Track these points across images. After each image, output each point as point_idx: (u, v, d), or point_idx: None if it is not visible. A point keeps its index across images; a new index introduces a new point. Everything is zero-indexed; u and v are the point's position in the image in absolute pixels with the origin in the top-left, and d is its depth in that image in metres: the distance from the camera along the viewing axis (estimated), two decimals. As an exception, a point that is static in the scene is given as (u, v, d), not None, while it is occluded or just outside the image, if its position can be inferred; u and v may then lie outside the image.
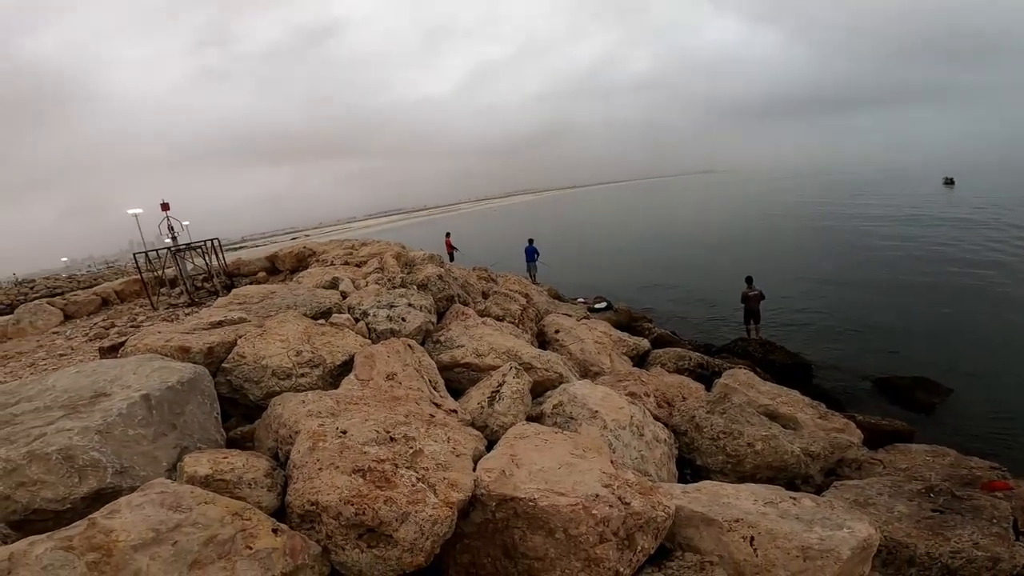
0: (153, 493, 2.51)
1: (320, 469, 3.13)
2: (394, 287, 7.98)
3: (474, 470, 3.68)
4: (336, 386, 4.70)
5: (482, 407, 5.05)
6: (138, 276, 13.03)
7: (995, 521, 4.35)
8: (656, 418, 6.16)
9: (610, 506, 3.35)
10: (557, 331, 9.82)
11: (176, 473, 3.19)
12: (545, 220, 75.33)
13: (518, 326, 9.15)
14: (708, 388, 8.11)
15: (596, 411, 5.36)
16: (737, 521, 3.69)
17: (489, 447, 4.29)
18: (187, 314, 9.64)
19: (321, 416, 3.73)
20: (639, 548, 3.42)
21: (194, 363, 4.33)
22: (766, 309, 12.87)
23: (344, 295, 7.55)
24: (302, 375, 4.74)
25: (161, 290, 13.04)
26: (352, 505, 2.91)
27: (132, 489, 2.88)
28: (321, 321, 6.00)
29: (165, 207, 13.02)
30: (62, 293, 21.39)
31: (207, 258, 13.01)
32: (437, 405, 4.58)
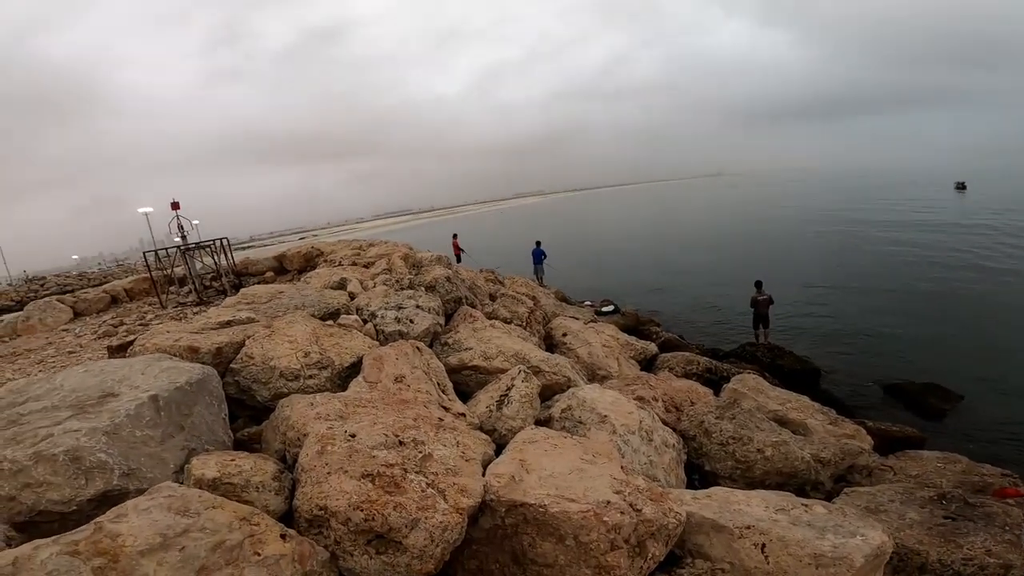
0: (161, 497, 2.47)
1: (329, 473, 3.09)
2: (402, 288, 7.96)
3: (483, 475, 3.65)
4: (344, 388, 4.66)
5: (490, 411, 5.00)
6: (147, 274, 13.09)
7: (1007, 528, 4.31)
8: (664, 423, 6.12)
9: (621, 513, 3.30)
10: (565, 334, 9.77)
11: (183, 475, 3.16)
12: (552, 222, 75.29)
13: (526, 329, 9.11)
14: (716, 393, 8.08)
15: (605, 416, 5.32)
16: (748, 528, 3.65)
17: (497, 451, 4.26)
18: (195, 313, 9.66)
19: (330, 419, 3.70)
20: (650, 555, 3.38)
21: (202, 363, 4.31)
22: (774, 314, 12.76)
23: (352, 296, 7.52)
24: (310, 377, 4.70)
25: (170, 288, 13.08)
26: (361, 511, 2.87)
27: (139, 491, 2.85)
28: (329, 322, 5.98)
29: (175, 206, 13.08)
30: (72, 291, 21.57)
31: (216, 257, 13.06)
32: (446, 408, 4.55)
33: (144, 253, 13.05)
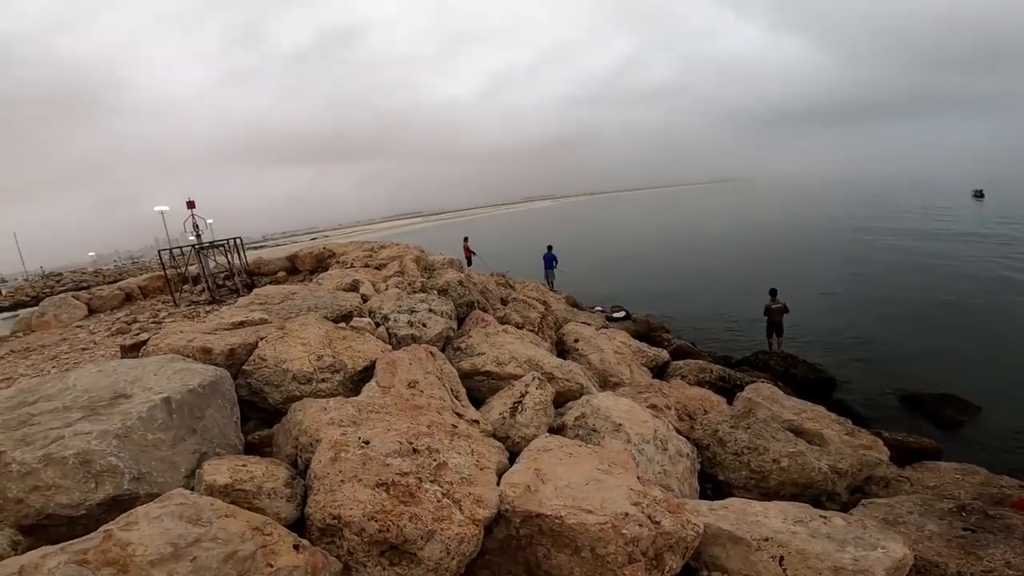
0: (172, 505, 2.41)
1: (342, 481, 3.02)
2: (414, 291, 7.91)
3: (498, 484, 3.57)
4: (357, 392, 4.61)
5: (504, 417, 4.93)
6: (162, 272, 13.18)
7: (1028, 540, 4.24)
8: (678, 431, 6.06)
9: (640, 525, 3.25)
10: (576, 340, 9.68)
11: (194, 479, 3.10)
12: (562, 226, 75.12)
13: (538, 334, 9.03)
14: (730, 402, 8.02)
15: (620, 424, 5.25)
16: (766, 540, 3.60)
17: (511, 459, 4.20)
18: (208, 312, 9.69)
19: (343, 425, 3.63)
20: (667, 568, 3.32)
21: (215, 365, 4.28)
22: (787, 322, 12.60)
23: (364, 298, 7.49)
24: (323, 380, 4.66)
25: (183, 287, 13.17)
26: (376, 521, 2.80)
27: (149, 495, 2.81)
28: (342, 324, 5.94)
29: (191, 205, 13.18)
30: (87, 287, 21.83)
31: (229, 256, 13.13)
32: (459, 415, 4.48)
33: (159, 251, 13.16)
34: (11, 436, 2.79)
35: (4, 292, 56.55)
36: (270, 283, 12.88)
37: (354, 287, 8.19)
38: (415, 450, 3.48)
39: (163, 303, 12.28)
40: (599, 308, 17.79)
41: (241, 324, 5.43)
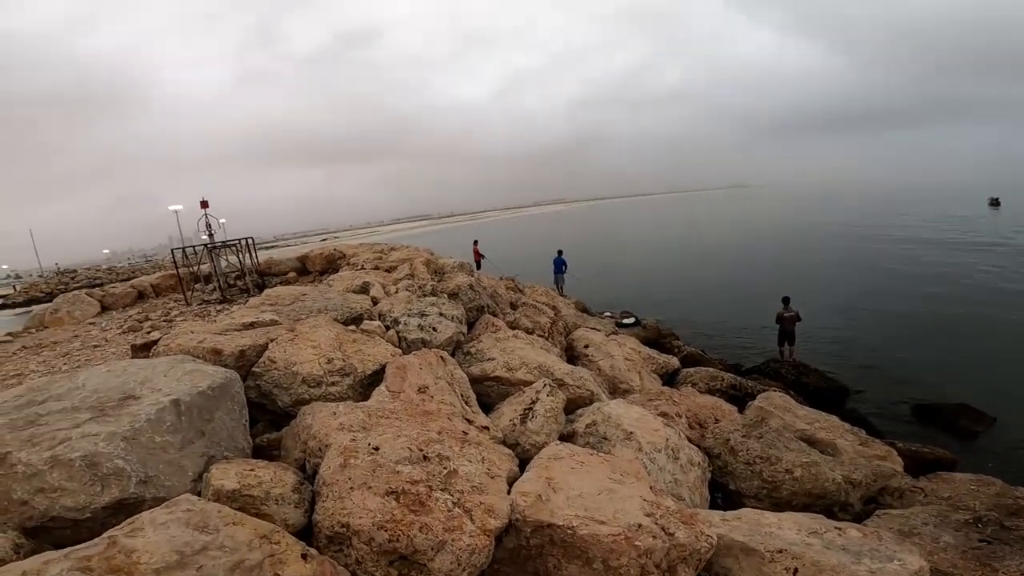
0: (179, 511, 2.36)
1: (352, 488, 2.96)
2: (425, 295, 7.87)
3: (508, 492, 3.51)
4: (366, 396, 4.57)
5: (514, 424, 4.86)
6: (174, 271, 13.27)
7: (1045, 552, 4.19)
8: (688, 440, 6.00)
9: (653, 537, 3.21)
10: (587, 346, 9.61)
11: (202, 483, 3.07)
12: (572, 231, 74.96)
13: (548, 339, 8.97)
14: (741, 410, 7.99)
15: (631, 432, 5.20)
16: (780, 552, 3.55)
17: (520, 467, 4.14)
18: (219, 311, 9.72)
19: (353, 430, 3.58)
20: (679, 581, 3.25)
21: (225, 366, 4.24)
22: (798, 330, 12.45)
23: (375, 301, 7.45)
24: (332, 384, 4.61)
25: (195, 286, 13.24)
26: (386, 531, 2.74)
27: (155, 499, 2.78)
28: (352, 327, 5.91)
29: (204, 204, 13.27)
30: (101, 284, 22.05)
31: (240, 256, 13.19)
32: (469, 421, 4.41)
33: (172, 250, 13.25)
34: (18, 436, 2.76)
35: (18, 288, 57.38)
36: (280, 283, 12.92)
37: (364, 289, 8.17)
38: (425, 457, 3.42)
39: (175, 302, 12.35)
40: (608, 314, 17.68)
41: (251, 325, 5.41)
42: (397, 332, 6.29)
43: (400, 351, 5.60)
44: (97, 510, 2.60)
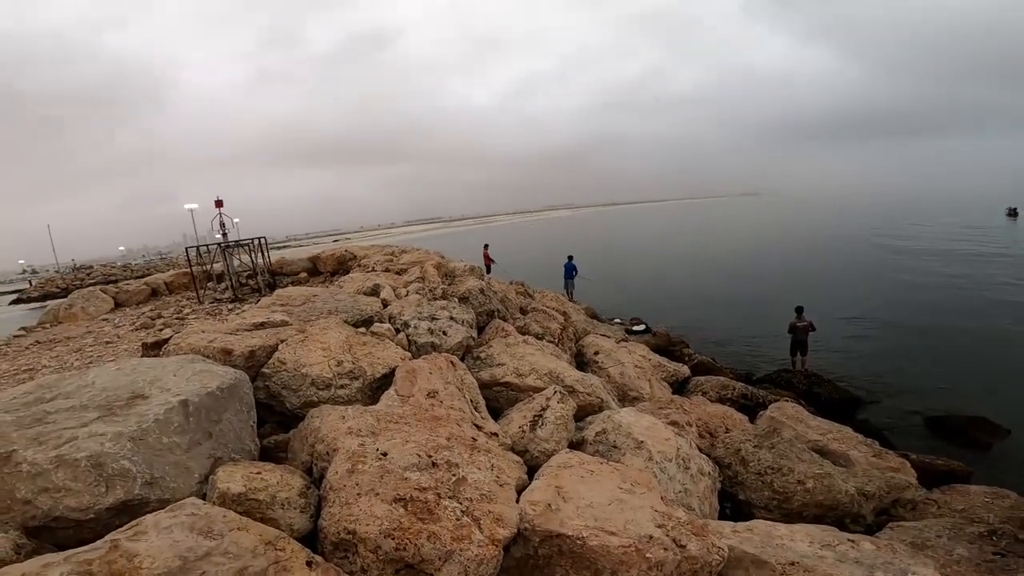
0: (183, 515, 2.32)
1: (359, 495, 2.91)
2: (435, 298, 7.84)
3: (517, 501, 3.46)
4: (375, 400, 4.53)
5: (523, 431, 4.79)
6: (188, 269, 13.38)
7: (1059, 566, 4.14)
8: (699, 449, 5.91)
9: (664, 549, 3.16)
10: (597, 352, 9.54)
11: (207, 485, 3.04)
12: (583, 236, 74.76)
13: (558, 345, 8.90)
14: (752, 420, 7.90)
15: (641, 441, 5.13)
16: (792, 564, 3.51)
17: (529, 474, 4.10)
18: (230, 310, 9.76)
19: (361, 435, 3.53)
20: (690, 594, 3.20)
21: (235, 366, 4.22)
22: (810, 340, 12.30)
23: (385, 303, 7.43)
24: (341, 386, 4.57)
25: (208, 284, 13.33)
26: (392, 539, 2.68)
27: (160, 501, 2.75)
28: (362, 329, 5.88)
29: (219, 204, 13.38)
30: (116, 281, 22.30)
31: (253, 255, 13.27)
32: (479, 427, 4.35)
33: (186, 248, 13.37)
34: (24, 434, 2.74)
35: (34, 283, 58.26)
36: (292, 283, 12.97)
37: (375, 292, 8.15)
38: (434, 464, 3.37)
39: (187, 299, 12.43)
40: (618, 320, 17.58)
41: (262, 325, 5.40)
42: (407, 335, 6.25)
43: (410, 355, 5.56)
44: (101, 511, 2.57)
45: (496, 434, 4.46)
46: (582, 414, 5.93)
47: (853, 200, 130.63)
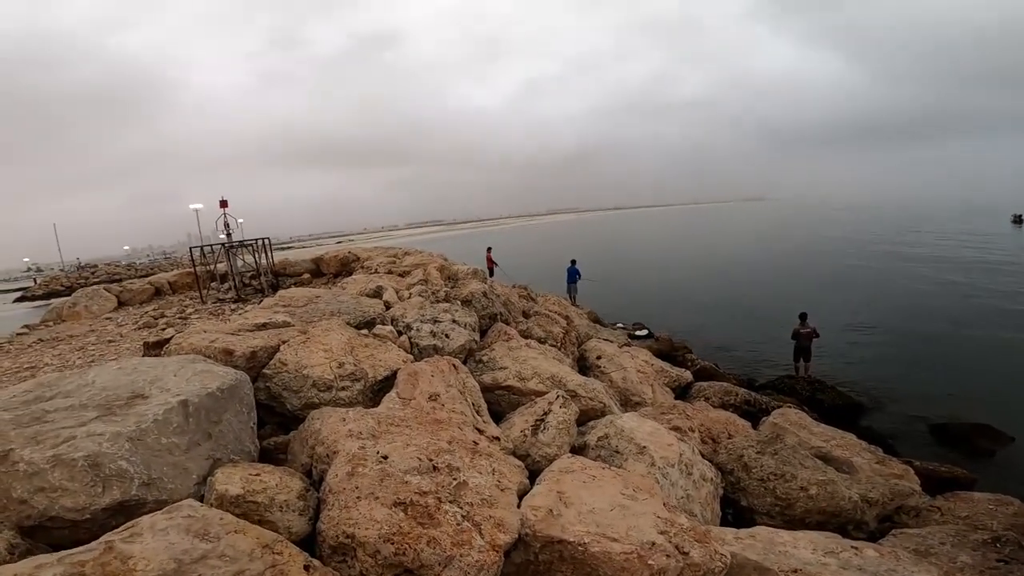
0: (180, 517, 2.29)
1: (359, 498, 2.88)
2: (438, 301, 7.82)
3: (518, 506, 3.43)
4: (376, 402, 4.50)
5: (525, 435, 4.77)
6: (191, 268, 13.40)
7: (1063, 573, 4.13)
8: (701, 455, 5.89)
9: (667, 556, 3.13)
10: (599, 357, 9.50)
11: (206, 486, 3.01)
12: (586, 240, 74.68)
13: (560, 349, 8.88)
14: (755, 426, 7.89)
15: (644, 447, 5.10)
16: (795, 571, 3.50)
17: (530, 478, 4.07)
18: (233, 310, 9.77)
19: (362, 437, 3.50)
20: (692, 601, 3.17)
21: (236, 367, 4.20)
22: (814, 346, 12.25)
23: (388, 305, 7.41)
24: (343, 388, 4.55)
25: (211, 284, 13.35)
26: (392, 544, 2.65)
27: (157, 502, 2.73)
28: (364, 331, 5.86)
29: (223, 204, 13.41)
30: (120, 280, 22.36)
31: (256, 256, 13.29)
32: (480, 431, 4.32)
33: (191, 248, 13.40)
34: (22, 433, 2.72)
35: (38, 281, 58.49)
36: (295, 284, 12.98)
37: (377, 293, 8.14)
38: (435, 467, 3.34)
39: (191, 299, 12.45)
40: (621, 325, 17.53)
41: (264, 326, 5.39)
42: (409, 338, 6.23)
43: (412, 357, 5.54)
44: (97, 511, 2.55)
45: (498, 438, 4.43)
46: (584, 419, 5.90)
47: (858, 206, 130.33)
